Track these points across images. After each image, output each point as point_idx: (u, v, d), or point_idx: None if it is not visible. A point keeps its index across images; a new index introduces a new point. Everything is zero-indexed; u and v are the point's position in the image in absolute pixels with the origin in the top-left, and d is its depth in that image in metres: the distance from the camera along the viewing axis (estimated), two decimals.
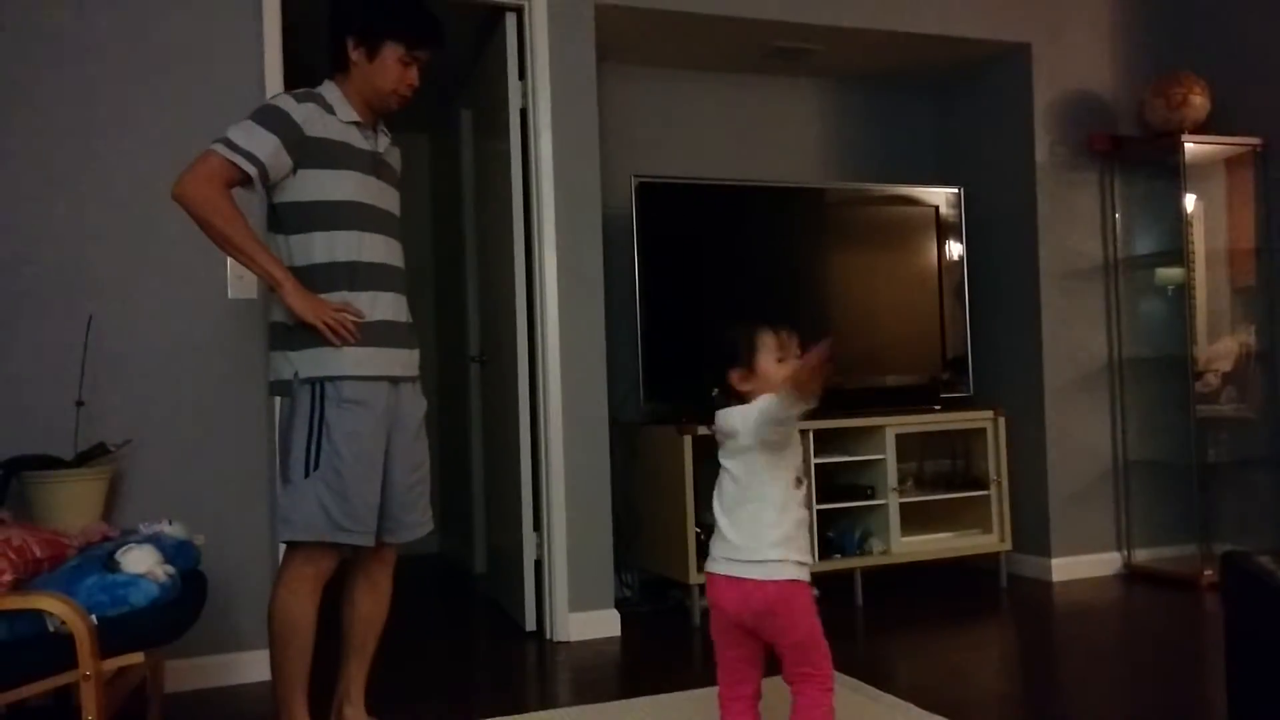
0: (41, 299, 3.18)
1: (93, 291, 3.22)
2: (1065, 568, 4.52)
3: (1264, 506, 4.52)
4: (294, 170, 2.42)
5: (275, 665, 2.47)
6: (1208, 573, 4.20)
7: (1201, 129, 4.43)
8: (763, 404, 2.04)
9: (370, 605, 2.64)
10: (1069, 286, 4.60)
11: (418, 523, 2.61)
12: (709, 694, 2.97)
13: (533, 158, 3.86)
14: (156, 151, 3.26)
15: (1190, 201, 4.44)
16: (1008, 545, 4.45)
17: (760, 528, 2.05)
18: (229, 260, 3.30)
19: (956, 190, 4.69)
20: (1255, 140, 4.48)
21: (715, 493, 2.13)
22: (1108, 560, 4.62)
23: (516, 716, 2.85)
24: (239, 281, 3.34)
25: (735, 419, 2.08)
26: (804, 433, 4.07)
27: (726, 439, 2.10)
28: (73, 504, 2.94)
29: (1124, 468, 4.66)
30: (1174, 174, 4.44)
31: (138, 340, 3.26)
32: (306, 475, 2.39)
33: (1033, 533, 4.58)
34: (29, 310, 3.17)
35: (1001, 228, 4.74)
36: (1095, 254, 4.66)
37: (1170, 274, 4.67)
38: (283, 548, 3.22)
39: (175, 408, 3.30)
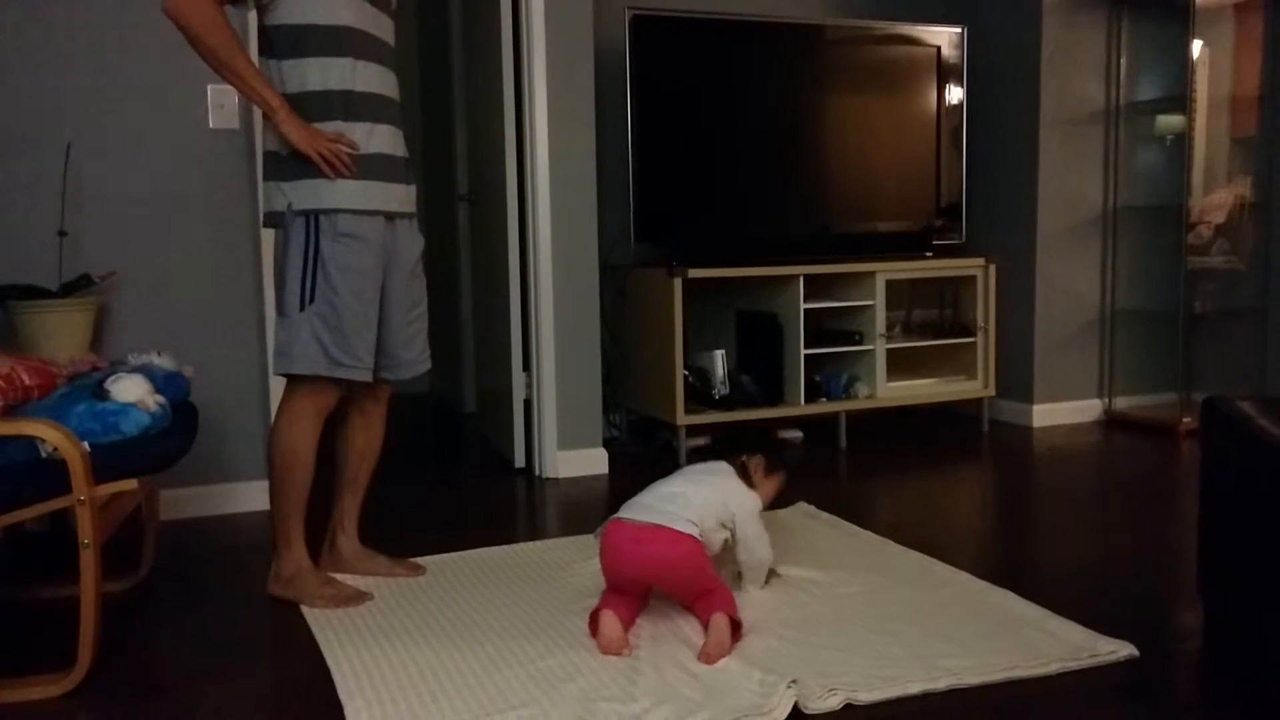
0: (19, 126, 3.09)
1: (70, 118, 3.13)
2: (1046, 414, 4.59)
3: (1247, 357, 4.57)
4: None
5: (274, 495, 2.51)
6: (1186, 420, 4.28)
7: None
8: (759, 564, 2.45)
9: (364, 440, 2.68)
10: (1068, 132, 4.52)
11: (415, 360, 2.62)
12: None
13: None
14: None
15: (1197, 47, 4.32)
16: (991, 391, 4.51)
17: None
18: (209, 88, 3.22)
19: (959, 30, 4.55)
20: None
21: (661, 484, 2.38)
22: (1089, 407, 4.69)
23: (507, 546, 2.93)
24: (220, 110, 3.26)
25: (756, 541, 2.41)
26: (794, 278, 4.09)
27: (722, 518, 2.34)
28: (59, 335, 2.93)
29: (1111, 316, 4.68)
30: (1183, 16, 4.31)
31: (118, 169, 3.20)
32: (302, 309, 2.38)
33: (1017, 379, 4.64)
34: (6, 138, 3.08)
35: (1003, 70, 4.63)
36: (1097, 99, 4.56)
37: (1170, 122, 4.59)
38: (274, 380, 3.24)
39: (159, 239, 3.25)
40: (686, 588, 2.27)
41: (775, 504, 3.26)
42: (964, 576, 2.57)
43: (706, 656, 2.10)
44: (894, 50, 4.47)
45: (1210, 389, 4.47)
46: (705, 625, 2.18)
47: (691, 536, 2.23)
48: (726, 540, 2.38)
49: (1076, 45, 4.49)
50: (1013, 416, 4.66)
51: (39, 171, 3.10)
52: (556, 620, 2.34)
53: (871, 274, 4.25)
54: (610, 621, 2.18)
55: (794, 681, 1.94)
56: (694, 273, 3.93)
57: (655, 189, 4.10)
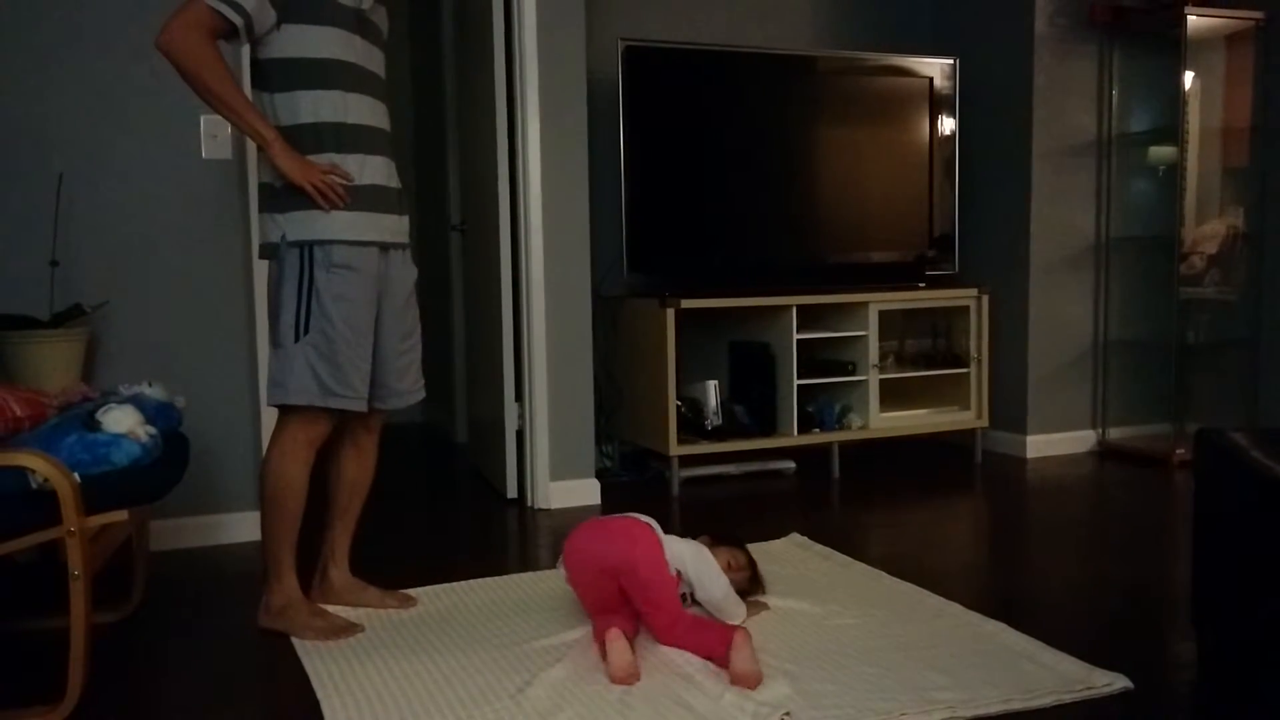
0: (11, 156, 3.09)
1: (63, 148, 3.14)
2: (1040, 445, 4.59)
3: (1240, 387, 4.58)
4: (278, 24, 2.35)
5: (265, 526, 2.50)
6: (1180, 451, 4.28)
7: (1204, 2, 4.32)
8: (723, 595, 2.37)
9: (355, 470, 2.67)
10: (1061, 163, 4.55)
11: (409, 390, 2.63)
12: None
13: (515, 18, 3.73)
14: (128, 1, 3.13)
15: (1188, 78, 4.36)
16: (984, 422, 4.51)
17: None
18: (202, 119, 3.23)
19: (952, 61, 4.58)
20: (1257, 14, 4.38)
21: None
22: (1082, 438, 4.69)
23: (498, 578, 2.92)
24: (213, 141, 3.26)
25: (708, 576, 2.36)
26: (787, 308, 4.10)
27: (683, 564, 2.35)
28: (50, 365, 2.92)
29: (1104, 347, 4.69)
30: (1174, 48, 4.35)
31: (111, 200, 3.20)
32: (296, 340, 2.38)
33: (1010, 410, 4.64)
34: None
35: (996, 101, 4.66)
36: (1089, 130, 4.59)
37: (1162, 153, 4.62)
38: (266, 411, 3.23)
39: (152, 269, 3.25)
40: (646, 580, 2.24)
41: (768, 535, 3.26)
42: (957, 608, 2.56)
43: (739, 677, 2.08)
44: (887, 81, 4.50)
45: (1204, 420, 4.47)
46: (724, 651, 2.15)
47: (650, 526, 2.33)
48: (686, 595, 2.37)
49: (1068, 76, 4.53)
50: (1006, 447, 4.66)
51: (31, 201, 3.10)
52: (548, 652, 2.32)
53: (864, 304, 4.26)
54: (619, 646, 2.14)
55: (787, 714, 1.93)
56: (686, 303, 3.94)
57: (648, 219, 4.12)
